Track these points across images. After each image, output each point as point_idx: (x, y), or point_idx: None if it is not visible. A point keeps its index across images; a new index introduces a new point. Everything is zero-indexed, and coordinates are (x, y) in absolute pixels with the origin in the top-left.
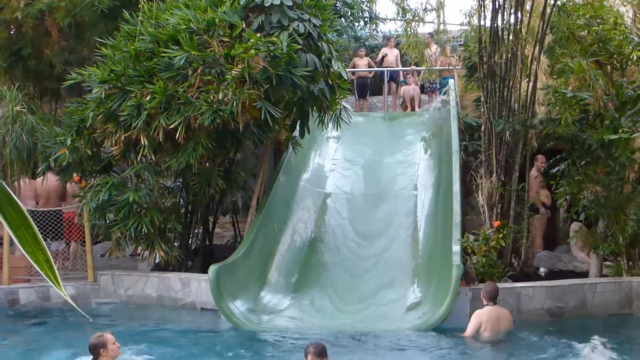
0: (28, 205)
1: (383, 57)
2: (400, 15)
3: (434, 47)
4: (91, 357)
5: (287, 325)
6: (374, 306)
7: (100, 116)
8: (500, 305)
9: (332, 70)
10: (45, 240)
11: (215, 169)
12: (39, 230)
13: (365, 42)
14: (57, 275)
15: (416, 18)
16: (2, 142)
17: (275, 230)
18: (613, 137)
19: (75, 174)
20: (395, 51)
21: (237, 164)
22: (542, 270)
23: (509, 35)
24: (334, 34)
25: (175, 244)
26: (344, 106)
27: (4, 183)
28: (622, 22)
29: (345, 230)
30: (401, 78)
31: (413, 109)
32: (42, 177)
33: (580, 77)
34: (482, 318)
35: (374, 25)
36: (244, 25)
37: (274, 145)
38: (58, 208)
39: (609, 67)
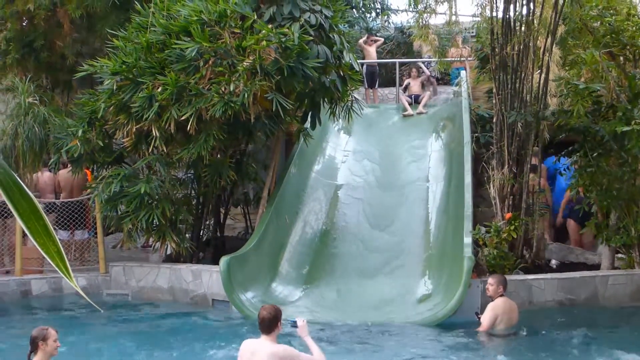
0: (47, 197)
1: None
2: (412, 6)
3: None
4: (30, 349)
5: (298, 317)
6: (385, 298)
7: (111, 108)
8: (509, 297)
9: (343, 61)
10: (71, 229)
11: (227, 160)
12: (66, 220)
13: (377, 34)
14: (68, 266)
15: (428, 9)
16: (15, 134)
17: (286, 221)
18: (625, 128)
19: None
20: None
21: (248, 156)
22: (553, 262)
23: (521, 27)
24: (346, 25)
25: (187, 235)
26: (355, 98)
27: (15, 175)
28: (635, 13)
29: (356, 221)
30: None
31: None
32: (66, 169)
33: (592, 69)
34: (498, 311)
35: (386, 16)
36: (256, 17)
37: (285, 136)
38: (83, 197)
39: (621, 58)
